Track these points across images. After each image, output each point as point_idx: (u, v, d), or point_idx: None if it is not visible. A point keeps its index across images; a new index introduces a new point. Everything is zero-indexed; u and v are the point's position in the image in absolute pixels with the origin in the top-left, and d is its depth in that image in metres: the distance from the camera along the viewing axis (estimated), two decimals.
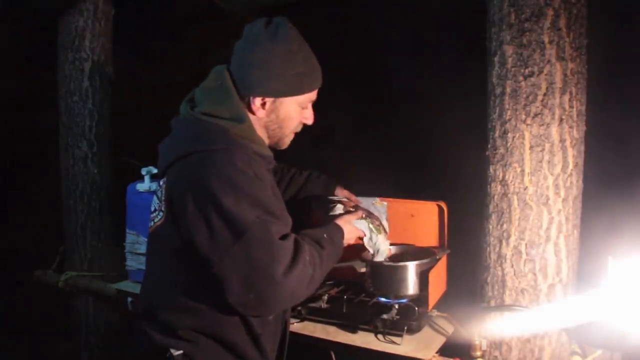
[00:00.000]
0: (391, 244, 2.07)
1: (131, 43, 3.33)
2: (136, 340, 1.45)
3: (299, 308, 1.94)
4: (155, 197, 1.48)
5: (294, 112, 1.45)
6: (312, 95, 1.48)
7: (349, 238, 1.59)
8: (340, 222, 1.58)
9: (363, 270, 1.93)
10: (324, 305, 1.97)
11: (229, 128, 1.37)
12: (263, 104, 1.42)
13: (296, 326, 1.93)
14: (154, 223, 1.43)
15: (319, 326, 1.93)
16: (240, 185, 1.27)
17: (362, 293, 2.01)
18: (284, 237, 1.30)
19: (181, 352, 1.34)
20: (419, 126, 3.02)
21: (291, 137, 1.52)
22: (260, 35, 1.39)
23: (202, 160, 1.31)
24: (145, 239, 2.32)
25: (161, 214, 1.39)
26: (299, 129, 1.51)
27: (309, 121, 1.51)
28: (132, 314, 1.56)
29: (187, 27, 3.88)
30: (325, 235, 1.45)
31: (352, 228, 1.62)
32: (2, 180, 3.46)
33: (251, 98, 1.41)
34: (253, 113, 1.42)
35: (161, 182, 1.45)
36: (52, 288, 2.87)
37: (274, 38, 1.38)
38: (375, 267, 1.91)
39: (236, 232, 1.23)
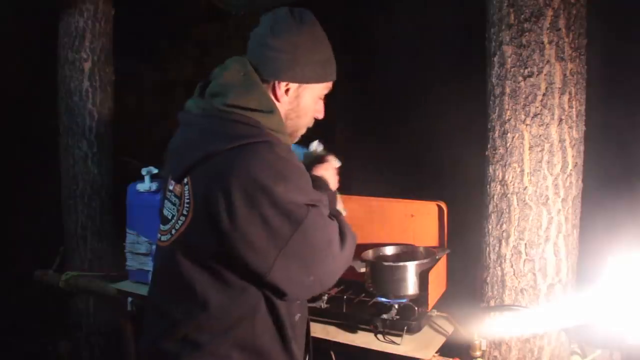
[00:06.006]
0: (391, 244, 2.09)
1: (131, 43, 3.33)
2: None
3: None
4: (168, 204, 1.37)
5: (312, 102, 1.43)
6: (329, 86, 1.46)
7: (334, 184, 1.61)
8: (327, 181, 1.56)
9: (363, 270, 1.93)
10: (324, 305, 1.97)
11: (260, 120, 1.31)
12: (287, 90, 1.39)
13: None
14: (176, 231, 1.32)
15: (319, 326, 1.93)
16: (288, 175, 1.25)
17: (362, 293, 2.01)
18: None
19: None
20: (419, 126, 3.02)
21: (303, 131, 1.49)
22: (286, 20, 1.37)
23: (242, 154, 1.24)
24: (145, 239, 2.34)
25: (183, 218, 1.30)
26: (311, 123, 1.49)
27: (321, 115, 1.48)
28: (139, 333, 1.48)
29: (187, 27, 3.88)
30: (332, 205, 1.49)
31: (326, 175, 1.57)
32: (3, 180, 3.46)
33: (276, 83, 1.37)
34: (277, 99, 1.39)
35: (173, 184, 1.35)
36: (52, 288, 2.87)
37: (301, 23, 1.37)
38: (375, 267, 1.91)
39: (293, 221, 1.23)
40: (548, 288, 1.70)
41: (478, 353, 1.69)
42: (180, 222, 1.31)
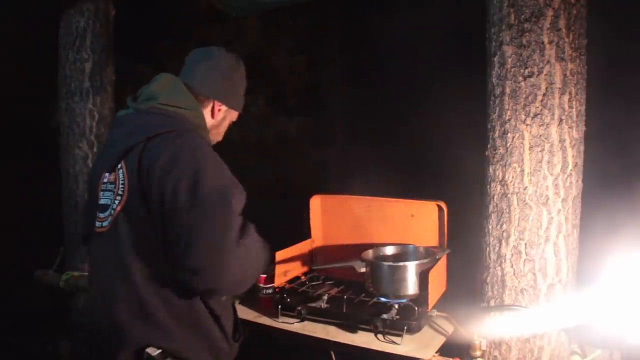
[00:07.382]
0: (391, 244, 2.09)
1: (132, 43, 3.33)
2: (111, 342, 1.43)
3: (299, 308, 1.95)
4: (105, 194, 1.48)
5: (227, 124, 1.72)
6: (236, 116, 1.75)
7: None
8: None
9: (363, 270, 1.93)
10: (324, 305, 1.97)
11: (187, 116, 1.54)
12: (219, 110, 1.67)
13: (296, 326, 1.93)
14: (114, 210, 1.44)
15: (319, 326, 1.93)
16: (213, 162, 1.43)
17: (362, 293, 2.01)
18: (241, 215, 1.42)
19: (159, 351, 1.39)
20: (419, 126, 3.03)
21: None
22: (227, 57, 1.68)
23: (173, 139, 1.43)
24: None
25: (119, 198, 1.43)
26: (214, 142, 1.70)
27: (221, 138, 1.73)
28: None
29: (188, 28, 3.89)
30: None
31: None
32: (3, 180, 3.47)
33: (216, 102, 1.65)
34: (213, 115, 1.65)
35: (107, 176, 1.48)
36: (52, 288, 2.87)
37: (237, 62, 1.70)
38: (375, 267, 1.91)
39: (218, 199, 1.35)
40: (548, 288, 1.70)
41: (478, 353, 1.69)
42: (117, 202, 1.45)
